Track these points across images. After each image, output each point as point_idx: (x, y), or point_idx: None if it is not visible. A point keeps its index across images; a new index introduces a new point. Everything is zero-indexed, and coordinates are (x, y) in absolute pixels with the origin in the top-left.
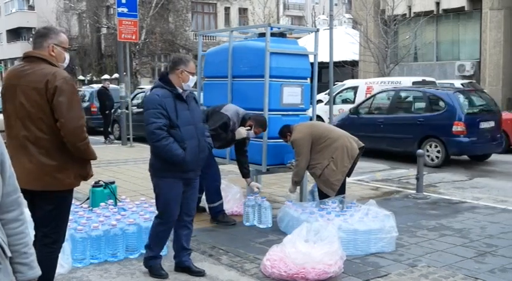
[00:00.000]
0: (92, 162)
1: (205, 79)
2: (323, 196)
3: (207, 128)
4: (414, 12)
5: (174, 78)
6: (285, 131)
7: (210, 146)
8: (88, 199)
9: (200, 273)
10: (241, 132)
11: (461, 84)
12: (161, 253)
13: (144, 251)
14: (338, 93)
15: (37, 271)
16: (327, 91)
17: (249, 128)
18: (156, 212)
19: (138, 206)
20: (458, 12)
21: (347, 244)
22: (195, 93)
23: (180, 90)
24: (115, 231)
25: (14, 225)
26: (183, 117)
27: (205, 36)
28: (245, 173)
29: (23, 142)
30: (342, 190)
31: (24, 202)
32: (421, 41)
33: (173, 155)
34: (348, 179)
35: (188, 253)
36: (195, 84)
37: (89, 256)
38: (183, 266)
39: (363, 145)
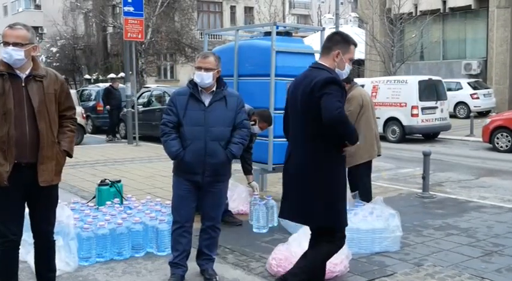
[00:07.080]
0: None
1: None
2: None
3: (242, 134)
4: (420, 11)
5: None
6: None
7: (232, 154)
8: (94, 197)
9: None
10: None
11: (468, 83)
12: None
13: (150, 250)
14: None
15: None
16: None
17: (253, 122)
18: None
19: (144, 204)
20: (465, 10)
21: (349, 242)
22: (232, 92)
23: (199, 90)
24: (121, 230)
25: None
26: (192, 116)
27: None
28: (247, 170)
29: None
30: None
31: None
32: (428, 40)
33: (169, 151)
34: None
35: (206, 259)
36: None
37: (95, 255)
38: (200, 269)
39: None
